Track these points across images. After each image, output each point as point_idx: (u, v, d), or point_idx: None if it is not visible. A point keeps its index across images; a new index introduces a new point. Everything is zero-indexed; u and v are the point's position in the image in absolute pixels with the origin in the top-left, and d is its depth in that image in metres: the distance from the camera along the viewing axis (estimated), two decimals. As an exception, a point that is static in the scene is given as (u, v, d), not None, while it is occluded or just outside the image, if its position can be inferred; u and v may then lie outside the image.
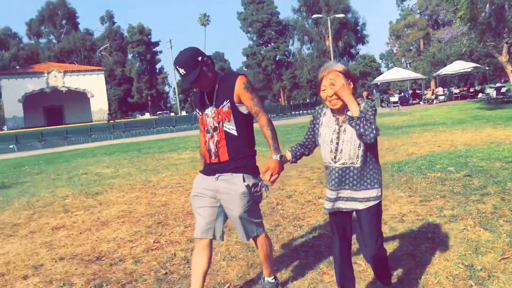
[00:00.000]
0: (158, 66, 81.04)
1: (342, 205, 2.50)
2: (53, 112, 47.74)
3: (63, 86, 45.31)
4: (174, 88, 71.31)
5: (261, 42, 72.72)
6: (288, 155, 2.71)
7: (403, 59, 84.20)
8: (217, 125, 2.74)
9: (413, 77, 36.63)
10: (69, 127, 28.91)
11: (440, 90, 32.62)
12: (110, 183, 8.57)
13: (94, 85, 46.46)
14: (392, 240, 3.95)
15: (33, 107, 44.71)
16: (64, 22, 66.46)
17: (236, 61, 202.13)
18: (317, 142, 2.61)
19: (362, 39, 70.92)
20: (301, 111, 38.81)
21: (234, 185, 2.71)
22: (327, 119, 2.54)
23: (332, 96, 2.40)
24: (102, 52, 60.35)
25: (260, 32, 71.13)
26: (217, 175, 2.77)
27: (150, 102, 75.84)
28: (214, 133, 2.75)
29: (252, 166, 2.78)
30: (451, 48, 38.18)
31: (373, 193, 2.45)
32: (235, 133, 2.72)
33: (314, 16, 41.72)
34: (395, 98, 30.96)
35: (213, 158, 2.78)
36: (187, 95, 66.77)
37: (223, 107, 2.71)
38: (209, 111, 2.77)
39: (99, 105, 46.68)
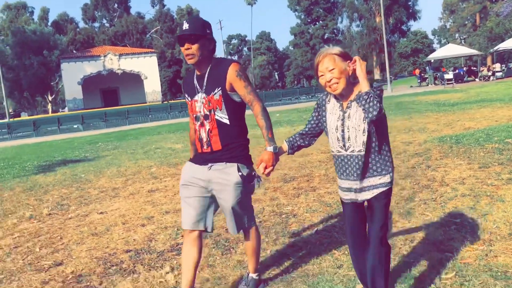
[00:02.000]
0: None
1: (356, 196, 2.40)
2: (109, 93, 50.02)
3: (118, 69, 47.25)
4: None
5: (309, 20, 72.33)
6: (285, 146, 2.62)
7: (457, 35, 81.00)
8: (208, 113, 2.65)
9: (469, 53, 35.57)
10: (130, 107, 30.48)
11: (497, 66, 31.59)
12: (186, 155, 9.47)
13: (147, 67, 48.15)
14: (455, 197, 4.49)
15: (90, 89, 47.04)
16: (116, 6, 68.63)
17: (282, 40, 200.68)
18: (325, 131, 2.50)
19: (413, 15, 68.73)
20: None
21: (228, 175, 2.62)
22: (331, 106, 2.44)
23: (330, 80, 2.30)
24: (153, 35, 62.12)
25: (308, 10, 70.68)
26: (209, 164, 2.67)
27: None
28: (205, 122, 2.66)
29: (246, 155, 2.71)
30: (510, 22, 36.62)
31: (381, 179, 2.34)
32: (227, 121, 2.63)
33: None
34: (449, 75, 30.34)
35: (205, 147, 2.69)
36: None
37: (214, 94, 2.62)
38: (199, 97, 2.67)
39: (153, 86, 48.40)
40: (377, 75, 63.33)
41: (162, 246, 4.09)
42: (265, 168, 2.52)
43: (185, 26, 2.55)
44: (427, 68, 35.28)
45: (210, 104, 2.63)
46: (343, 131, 2.34)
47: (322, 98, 2.51)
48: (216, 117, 2.63)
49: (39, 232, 5.01)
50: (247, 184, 2.66)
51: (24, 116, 47.67)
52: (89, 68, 46.19)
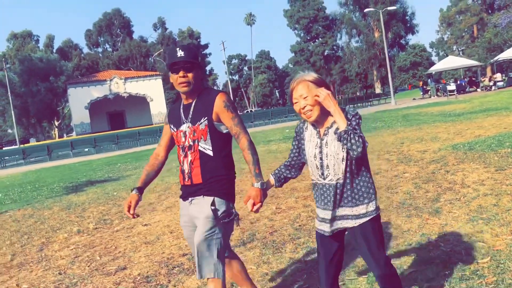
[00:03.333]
0: (208, 68, 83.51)
1: (333, 226, 2.31)
2: (115, 116, 50.74)
3: (124, 92, 48.04)
4: (223, 88, 73.30)
5: (308, 38, 73.45)
6: (272, 180, 2.51)
7: (454, 47, 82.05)
8: (192, 143, 2.54)
9: (469, 64, 36.19)
10: (140, 129, 31.05)
11: (498, 76, 32.18)
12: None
13: (152, 90, 48.95)
14: (477, 197, 4.89)
15: (97, 113, 47.76)
16: (119, 31, 69.96)
17: (281, 58, 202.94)
18: (304, 159, 2.41)
19: (411, 29, 69.79)
20: (356, 104, 39.19)
21: (201, 207, 2.49)
22: (309, 133, 2.36)
23: (304, 107, 2.25)
24: (156, 58, 63.20)
25: (307, 28, 71.85)
26: (190, 199, 2.58)
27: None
28: (188, 152, 2.55)
29: (226, 190, 2.55)
30: (509, 33, 37.34)
31: (363, 209, 2.25)
32: (210, 153, 2.52)
33: (366, 10, 41.72)
34: (452, 86, 30.91)
35: (186, 180, 2.57)
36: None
37: (199, 124, 2.52)
38: (184, 127, 2.57)
39: (159, 108, 49.09)
40: (378, 89, 64.02)
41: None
42: (253, 205, 2.41)
43: (180, 53, 2.47)
44: (428, 80, 35.85)
45: (195, 134, 2.53)
46: (321, 159, 2.28)
47: (300, 126, 2.44)
48: (200, 147, 2.52)
49: (92, 243, 5.43)
50: (220, 220, 2.47)
51: (33, 142, 48.27)
52: (96, 92, 46.99)
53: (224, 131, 2.55)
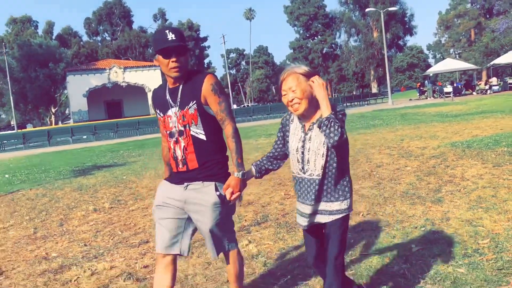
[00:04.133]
0: (206, 61, 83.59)
1: (312, 220, 2.36)
2: (113, 105, 50.80)
3: (123, 82, 48.08)
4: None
5: (307, 35, 73.68)
6: (252, 171, 2.52)
7: (451, 50, 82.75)
8: (182, 128, 2.48)
9: (466, 67, 36.69)
10: (140, 118, 31.23)
11: (494, 80, 32.67)
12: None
13: (151, 80, 48.99)
14: (476, 189, 5.24)
15: (95, 102, 47.81)
16: (119, 20, 69.78)
17: (279, 54, 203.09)
18: (287, 151, 2.46)
19: (410, 30, 70.21)
20: (353, 102, 39.59)
21: (205, 195, 2.47)
22: (294, 127, 2.39)
23: (292, 100, 2.25)
24: (155, 49, 63.13)
25: (307, 25, 72.10)
26: (185, 184, 2.52)
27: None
28: (180, 138, 2.49)
29: (225, 173, 2.55)
30: (505, 38, 37.85)
31: (337, 206, 2.30)
32: (203, 137, 2.47)
33: (367, 9, 41.99)
34: (448, 89, 31.39)
35: (180, 166, 2.51)
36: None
37: (188, 108, 2.45)
38: (172, 112, 2.50)
39: (156, 99, 49.19)
40: (374, 89, 64.47)
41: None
42: (232, 193, 2.41)
43: (171, 36, 2.36)
44: (426, 82, 36.32)
45: (185, 118, 2.46)
46: (303, 153, 2.30)
47: (286, 118, 2.46)
48: (192, 132, 2.47)
49: (111, 220, 5.72)
50: (226, 204, 2.51)
51: (30, 128, 48.25)
52: (94, 80, 47.01)
53: (214, 114, 2.49)
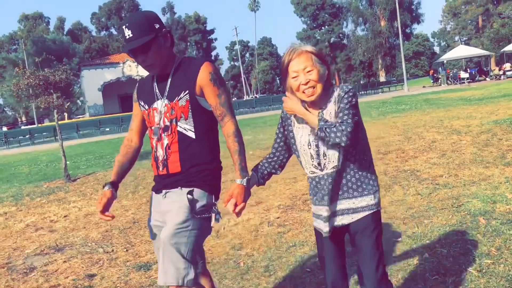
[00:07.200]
0: (213, 53, 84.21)
1: (333, 222, 2.01)
2: (126, 99, 51.52)
3: (137, 75, 48.75)
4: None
5: (315, 25, 74.03)
6: (254, 177, 2.15)
7: (457, 37, 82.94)
8: (168, 123, 2.08)
9: (479, 53, 37.26)
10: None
11: (507, 66, 33.26)
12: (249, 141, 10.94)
13: (164, 73, 49.73)
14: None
15: (109, 95, 48.63)
16: (128, 14, 70.37)
17: (285, 45, 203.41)
18: (293, 149, 2.09)
19: (417, 18, 70.61)
20: (368, 90, 40.20)
21: (176, 197, 2.07)
22: (299, 118, 2.02)
23: (307, 83, 1.91)
24: (165, 42, 63.87)
25: (314, 16, 72.47)
26: (164, 192, 2.13)
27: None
28: (164, 135, 2.09)
29: (209, 181, 2.10)
30: (517, 24, 38.34)
31: (363, 201, 1.97)
32: (192, 135, 2.07)
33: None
34: (466, 74, 32.02)
35: (160, 168, 2.11)
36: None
37: (179, 100, 2.07)
38: (159, 105, 2.11)
39: (170, 91, 49.94)
40: (382, 78, 64.99)
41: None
42: (235, 205, 2.00)
43: (128, 33, 2.00)
44: (439, 68, 36.92)
45: (173, 111, 2.08)
46: (317, 146, 1.96)
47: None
48: (179, 128, 2.07)
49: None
50: (197, 214, 2.03)
51: (47, 123, 49.13)
52: (109, 75, 47.82)
53: (209, 108, 2.12)
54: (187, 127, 2.07)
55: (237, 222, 4.71)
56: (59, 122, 10.47)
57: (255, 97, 60.08)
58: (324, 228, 1.98)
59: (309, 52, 1.93)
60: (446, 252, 3.31)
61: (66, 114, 59.35)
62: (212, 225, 2.11)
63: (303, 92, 1.92)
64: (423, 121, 11.51)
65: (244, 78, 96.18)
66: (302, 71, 1.92)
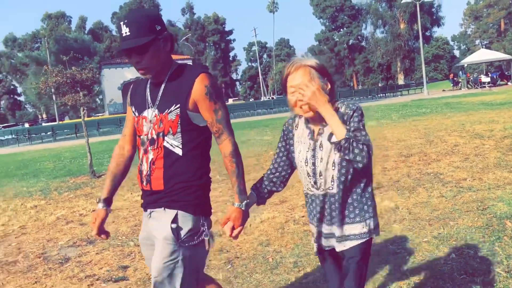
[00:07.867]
0: (231, 54, 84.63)
1: (329, 243, 1.96)
2: (145, 98, 52.32)
3: (156, 74, 49.39)
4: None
5: (333, 27, 73.88)
6: (253, 196, 2.05)
7: (477, 41, 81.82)
8: (155, 137, 1.96)
9: (502, 57, 36.76)
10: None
11: (530, 70, 32.79)
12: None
13: (183, 73, 50.18)
14: None
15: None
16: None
17: (302, 47, 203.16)
18: (294, 164, 2.02)
19: (437, 21, 69.83)
20: (386, 93, 39.95)
21: (160, 225, 1.94)
22: (299, 133, 1.96)
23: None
24: (184, 42, 64.40)
25: (333, 17, 72.34)
26: (149, 211, 2.04)
27: (224, 89, 79.55)
28: (149, 148, 1.98)
29: (194, 200, 1.96)
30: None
31: (354, 229, 1.88)
32: (179, 152, 1.94)
33: (403, 1, 41.92)
34: (487, 78, 31.64)
35: (144, 183, 2.00)
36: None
37: (169, 113, 1.93)
38: (149, 113, 1.99)
39: (188, 91, 50.39)
40: (401, 81, 64.48)
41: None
42: (232, 229, 1.94)
43: (125, 31, 1.87)
44: (460, 72, 36.53)
45: (162, 124, 1.95)
46: (314, 164, 1.87)
47: (289, 123, 2.04)
48: (165, 143, 1.95)
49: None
50: (184, 243, 1.91)
51: (67, 120, 50.01)
52: (129, 73, 48.38)
53: (202, 124, 1.98)
54: (174, 143, 1.94)
55: (263, 220, 4.82)
56: (79, 120, 10.69)
57: (272, 98, 60.31)
58: (313, 247, 2.00)
59: (308, 66, 1.84)
60: (473, 253, 3.37)
61: (84, 113, 60.48)
62: (206, 249, 1.98)
63: (301, 108, 1.85)
64: (444, 124, 11.48)
65: (261, 79, 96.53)
66: (299, 90, 1.83)
